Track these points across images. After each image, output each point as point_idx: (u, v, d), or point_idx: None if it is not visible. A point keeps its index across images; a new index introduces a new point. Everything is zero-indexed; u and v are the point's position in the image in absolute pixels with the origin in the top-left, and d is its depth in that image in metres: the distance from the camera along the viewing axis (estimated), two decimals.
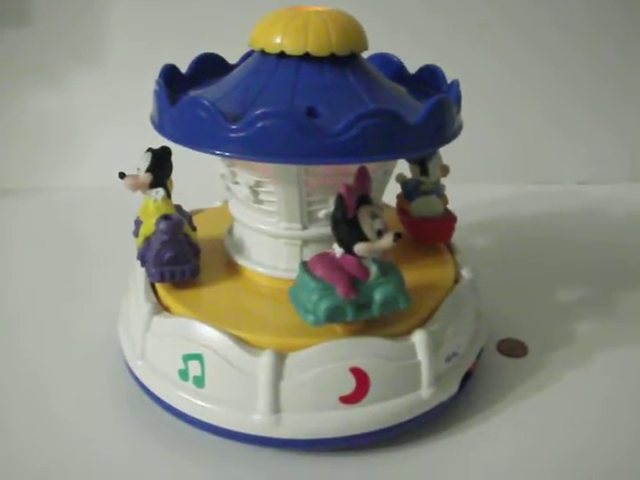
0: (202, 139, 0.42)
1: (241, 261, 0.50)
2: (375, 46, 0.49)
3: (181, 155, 0.49)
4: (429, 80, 0.51)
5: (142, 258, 0.49)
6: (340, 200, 0.41)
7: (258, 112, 0.40)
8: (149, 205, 0.49)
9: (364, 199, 0.42)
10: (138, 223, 0.50)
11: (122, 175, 0.49)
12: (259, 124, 0.40)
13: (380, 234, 0.42)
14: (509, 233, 0.76)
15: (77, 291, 0.64)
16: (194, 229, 0.51)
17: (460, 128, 0.47)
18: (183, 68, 0.52)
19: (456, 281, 0.51)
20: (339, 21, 0.45)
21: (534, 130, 0.90)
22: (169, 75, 0.49)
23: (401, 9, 0.84)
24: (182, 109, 0.42)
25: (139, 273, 0.50)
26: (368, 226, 0.42)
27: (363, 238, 0.42)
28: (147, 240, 0.49)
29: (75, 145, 0.85)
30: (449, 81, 0.50)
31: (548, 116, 0.90)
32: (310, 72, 0.44)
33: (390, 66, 0.54)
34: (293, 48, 0.44)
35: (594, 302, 0.63)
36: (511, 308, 0.61)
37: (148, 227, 0.49)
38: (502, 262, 0.70)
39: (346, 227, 0.42)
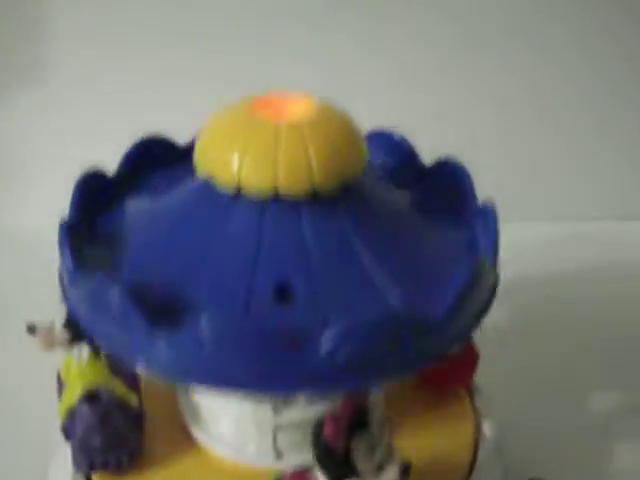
0: (120, 343, 0.28)
1: (199, 434, 0.37)
2: None
3: None
4: (450, 184, 0.37)
5: (66, 432, 0.37)
6: (320, 435, 0.28)
7: (199, 321, 0.26)
8: (70, 366, 0.36)
9: (359, 422, 0.29)
10: (60, 384, 0.38)
11: (31, 329, 0.36)
12: (202, 336, 0.26)
13: (382, 467, 0.29)
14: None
15: None
16: (137, 388, 0.38)
17: (494, 293, 0.32)
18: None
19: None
20: (324, 137, 0.30)
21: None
22: (88, 187, 0.35)
23: None
24: (91, 291, 0.29)
25: (63, 452, 0.38)
26: (365, 462, 0.29)
27: (358, 475, 0.29)
28: (71, 414, 0.36)
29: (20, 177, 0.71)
30: (475, 187, 0.36)
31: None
32: (281, 218, 0.30)
33: (395, 150, 0.39)
34: (255, 185, 0.30)
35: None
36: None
37: (71, 397, 0.36)
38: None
39: (333, 464, 0.29)
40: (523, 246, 0.66)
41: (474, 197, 0.36)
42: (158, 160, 0.40)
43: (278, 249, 0.30)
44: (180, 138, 0.40)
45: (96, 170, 0.37)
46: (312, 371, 0.26)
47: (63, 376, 0.37)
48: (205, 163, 0.31)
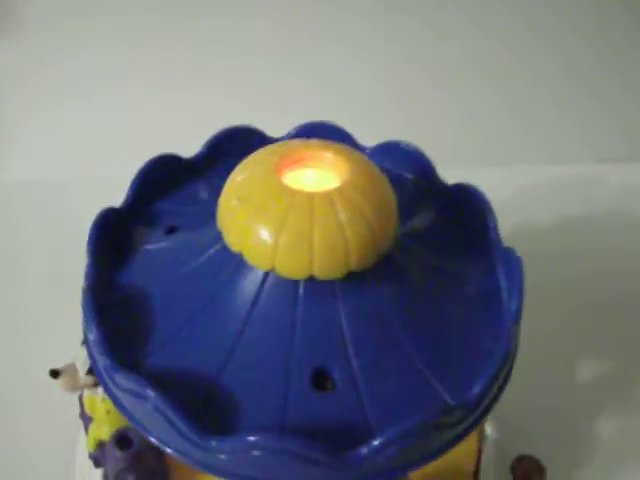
0: (159, 436, 0.29)
1: None
2: None
3: None
4: (468, 210, 0.36)
5: (96, 461, 0.38)
6: None
7: (242, 433, 0.26)
8: (96, 405, 0.37)
9: None
10: (85, 417, 0.38)
11: (55, 373, 0.36)
12: (244, 446, 0.26)
13: None
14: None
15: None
16: None
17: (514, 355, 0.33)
18: None
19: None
20: (360, 214, 0.29)
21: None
22: (103, 228, 0.34)
23: None
24: (125, 384, 0.28)
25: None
26: None
27: None
28: (100, 445, 0.37)
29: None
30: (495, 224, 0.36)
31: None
32: (315, 300, 0.29)
33: (412, 163, 0.38)
34: (290, 270, 0.29)
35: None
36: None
37: (100, 432, 0.37)
38: None
39: None
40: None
41: (495, 231, 0.36)
42: (166, 182, 0.38)
43: (313, 332, 0.29)
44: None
45: (108, 208, 0.35)
46: (353, 471, 0.27)
47: (88, 410, 0.38)
48: (234, 239, 0.29)
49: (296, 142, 0.32)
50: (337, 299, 0.30)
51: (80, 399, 0.39)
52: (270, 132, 0.42)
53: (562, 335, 0.54)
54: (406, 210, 0.37)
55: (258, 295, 0.30)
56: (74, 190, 0.61)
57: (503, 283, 0.34)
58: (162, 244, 0.34)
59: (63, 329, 0.41)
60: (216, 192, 0.37)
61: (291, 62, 0.64)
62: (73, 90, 0.62)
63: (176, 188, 0.38)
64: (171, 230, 0.35)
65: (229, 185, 0.31)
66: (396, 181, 0.39)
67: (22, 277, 0.55)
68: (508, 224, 0.60)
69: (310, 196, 0.29)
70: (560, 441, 0.49)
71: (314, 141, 0.32)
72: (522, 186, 0.67)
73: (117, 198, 0.37)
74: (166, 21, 0.63)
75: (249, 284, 0.30)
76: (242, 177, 0.30)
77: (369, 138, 0.41)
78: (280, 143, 0.33)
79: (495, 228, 0.36)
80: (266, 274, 0.30)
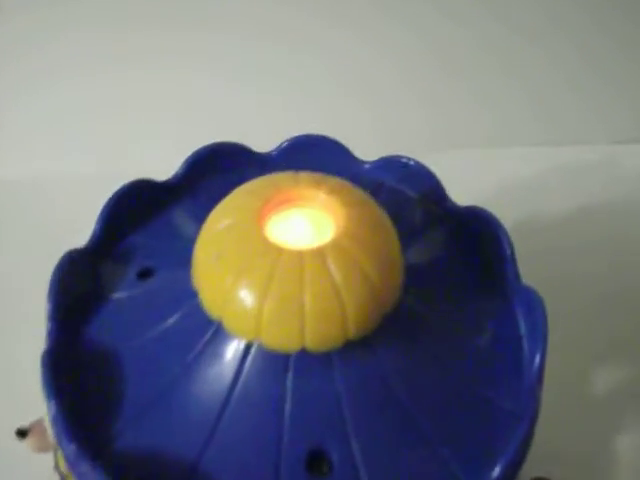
0: None
1: None
2: None
3: None
4: (480, 239, 0.32)
5: None
6: None
7: None
8: None
9: None
10: (61, 475, 0.35)
11: (22, 433, 0.32)
12: None
13: None
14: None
15: None
16: None
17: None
18: None
19: None
20: (359, 272, 0.25)
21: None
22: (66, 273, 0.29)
23: None
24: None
25: None
26: None
27: None
28: None
29: None
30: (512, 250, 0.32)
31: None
32: (308, 372, 0.25)
33: (417, 180, 0.34)
34: (277, 343, 0.25)
35: None
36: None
37: None
38: None
39: None
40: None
41: (513, 265, 0.32)
42: (139, 211, 0.34)
43: (307, 409, 0.25)
44: None
45: (72, 251, 0.31)
46: None
47: (62, 469, 0.34)
48: (213, 303, 0.25)
49: (284, 178, 0.28)
50: (333, 370, 0.25)
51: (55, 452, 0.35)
52: (259, 130, 0.38)
53: (579, 338, 0.50)
54: (410, 237, 0.33)
55: (241, 367, 0.25)
56: (58, 188, 0.56)
57: (522, 328, 0.30)
58: (134, 291, 0.30)
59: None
60: (195, 221, 0.33)
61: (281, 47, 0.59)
62: (55, 78, 0.57)
63: (150, 218, 0.34)
64: (144, 273, 0.31)
65: (206, 235, 0.26)
66: (399, 201, 0.36)
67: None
68: (521, 209, 0.56)
69: (299, 254, 0.25)
70: (577, 462, 0.45)
71: (304, 176, 0.28)
72: (536, 169, 0.62)
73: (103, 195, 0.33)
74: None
75: (230, 354, 0.26)
76: (220, 227, 0.26)
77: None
78: (265, 178, 0.28)
79: (513, 262, 0.32)
80: (250, 344, 0.25)
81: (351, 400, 0.25)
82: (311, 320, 0.24)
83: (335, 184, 0.27)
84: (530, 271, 0.37)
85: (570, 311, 0.49)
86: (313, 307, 0.24)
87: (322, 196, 0.27)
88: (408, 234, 0.34)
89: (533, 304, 0.30)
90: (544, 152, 0.64)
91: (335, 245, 0.25)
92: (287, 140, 0.37)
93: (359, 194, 0.28)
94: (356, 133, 0.39)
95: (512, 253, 0.32)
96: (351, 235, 0.25)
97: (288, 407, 0.25)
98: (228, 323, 0.25)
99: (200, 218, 0.33)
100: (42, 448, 0.32)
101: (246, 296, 0.24)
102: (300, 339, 0.24)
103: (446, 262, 0.33)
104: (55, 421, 0.26)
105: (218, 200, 0.35)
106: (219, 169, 0.36)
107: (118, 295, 0.30)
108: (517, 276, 0.32)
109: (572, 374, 0.48)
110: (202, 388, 0.26)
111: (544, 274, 0.42)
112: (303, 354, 0.25)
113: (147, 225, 0.34)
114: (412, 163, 0.36)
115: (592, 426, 0.47)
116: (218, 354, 0.26)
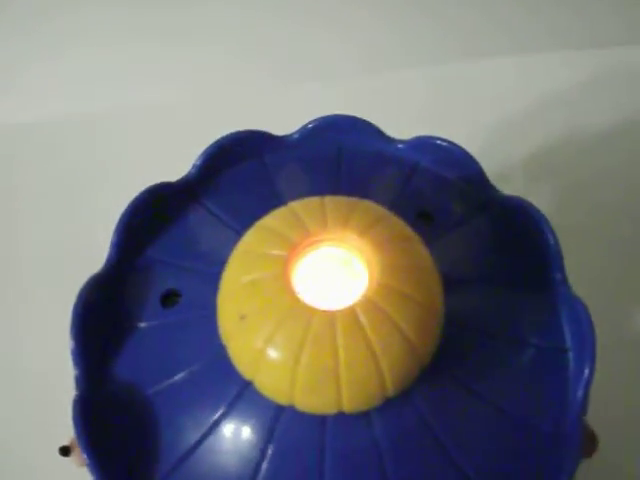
0: None
1: None
2: None
3: None
4: (523, 232, 0.30)
5: None
6: None
7: None
8: None
9: None
10: None
11: (65, 451, 0.32)
12: None
13: None
14: None
15: None
16: None
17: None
18: None
19: None
20: (396, 330, 0.23)
21: None
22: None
23: None
24: None
25: None
26: None
27: None
28: None
29: None
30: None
31: None
32: (347, 430, 0.24)
33: (454, 162, 0.32)
34: (311, 408, 0.23)
35: None
36: None
37: None
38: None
39: None
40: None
41: (561, 273, 0.30)
42: (156, 221, 0.32)
43: (347, 465, 0.24)
44: None
45: (93, 277, 0.29)
46: None
47: None
48: (242, 365, 0.24)
49: (310, 212, 0.25)
50: (373, 426, 0.24)
51: None
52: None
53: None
54: (445, 227, 0.31)
55: (273, 428, 0.24)
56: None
57: (568, 341, 0.29)
58: (157, 322, 0.29)
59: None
60: (219, 223, 0.31)
61: None
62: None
63: (169, 228, 0.32)
64: (167, 296, 0.30)
65: (228, 290, 0.24)
66: (435, 185, 0.33)
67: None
68: (552, 119, 0.52)
69: (331, 315, 0.23)
70: (615, 411, 0.44)
71: (331, 207, 0.25)
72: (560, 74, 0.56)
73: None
74: None
75: (263, 413, 0.25)
76: (243, 282, 0.24)
77: None
78: (288, 212, 0.26)
79: (560, 264, 0.29)
80: (284, 407, 0.24)
81: (393, 454, 0.24)
82: (347, 386, 0.23)
83: (368, 218, 0.25)
84: None
85: None
86: (348, 373, 0.23)
87: (353, 237, 0.24)
88: (444, 223, 0.31)
89: (581, 319, 0.28)
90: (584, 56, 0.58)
91: (368, 302, 0.23)
92: (312, 121, 0.34)
93: (396, 229, 0.25)
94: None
95: (559, 255, 0.30)
96: (385, 289, 0.23)
97: (328, 465, 0.24)
98: (260, 386, 0.24)
99: (223, 219, 0.32)
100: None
101: (277, 363, 0.23)
102: (336, 404, 0.23)
103: (485, 260, 0.31)
104: (93, 470, 0.26)
105: (240, 198, 0.33)
106: (237, 159, 0.33)
107: (143, 325, 0.29)
108: (565, 284, 0.29)
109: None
110: (235, 445, 0.25)
111: None
112: (341, 414, 0.24)
113: (166, 235, 0.32)
114: (447, 144, 0.33)
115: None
116: (250, 410, 0.25)
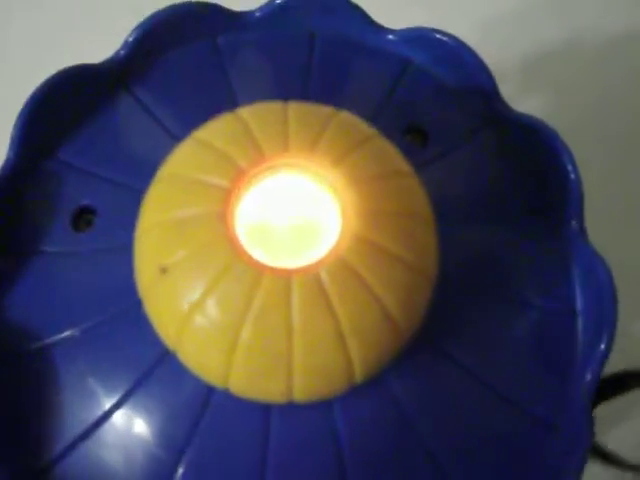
0: None
1: None
2: None
3: None
4: (537, 159, 0.24)
5: None
6: None
7: None
8: None
9: None
10: None
11: None
12: None
13: None
14: None
15: None
16: None
17: None
18: None
19: None
20: (375, 298, 0.17)
21: None
22: None
23: None
24: None
25: None
26: None
27: None
28: None
29: None
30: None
31: None
32: (297, 419, 0.19)
33: (456, 62, 0.25)
34: (252, 396, 0.18)
35: None
36: None
37: None
38: None
39: None
40: None
41: (579, 219, 0.24)
42: (70, 110, 0.24)
43: (297, 461, 0.19)
44: None
45: None
46: None
47: None
48: (164, 330, 0.18)
49: (265, 130, 0.18)
50: (333, 416, 0.19)
51: None
52: None
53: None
54: (440, 144, 0.24)
55: (201, 413, 0.19)
56: None
57: (579, 304, 0.23)
58: (63, 248, 0.22)
59: None
60: (151, 122, 0.24)
61: None
62: None
63: (87, 125, 0.25)
64: (80, 215, 0.23)
65: (147, 226, 0.18)
66: (430, 92, 0.26)
67: None
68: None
69: (286, 277, 0.17)
70: None
71: (296, 123, 0.18)
72: None
73: None
74: None
75: (186, 394, 0.19)
76: (167, 219, 0.17)
77: None
78: (234, 118, 0.19)
79: (579, 214, 0.23)
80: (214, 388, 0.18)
81: (354, 447, 0.19)
82: (301, 371, 0.17)
83: (346, 140, 0.18)
84: None
85: None
86: (304, 356, 0.17)
87: (324, 165, 0.18)
88: (439, 144, 0.25)
89: (600, 277, 0.22)
90: None
91: (337, 261, 0.17)
92: None
93: (384, 157, 0.18)
94: None
95: (580, 197, 0.24)
96: (363, 243, 0.17)
97: (271, 462, 0.19)
98: (185, 360, 0.18)
99: (158, 117, 0.25)
100: None
101: (208, 335, 0.17)
102: (286, 393, 0.17)
103: (486, 197, 0.25)
104: None
105: (182, 90, 0.26)
106: (181, 38, 0.26)
107: (47, 249, 0.23)
108: (581, 229, 0.23)
109: None
110: (152, 426, 0.19)
111: None
112: (291, 404, 0.18)
113: (83, 134, 0.24)
114: (448, 40, 0.25)
115: None
116: (173, 386, 0.19)
